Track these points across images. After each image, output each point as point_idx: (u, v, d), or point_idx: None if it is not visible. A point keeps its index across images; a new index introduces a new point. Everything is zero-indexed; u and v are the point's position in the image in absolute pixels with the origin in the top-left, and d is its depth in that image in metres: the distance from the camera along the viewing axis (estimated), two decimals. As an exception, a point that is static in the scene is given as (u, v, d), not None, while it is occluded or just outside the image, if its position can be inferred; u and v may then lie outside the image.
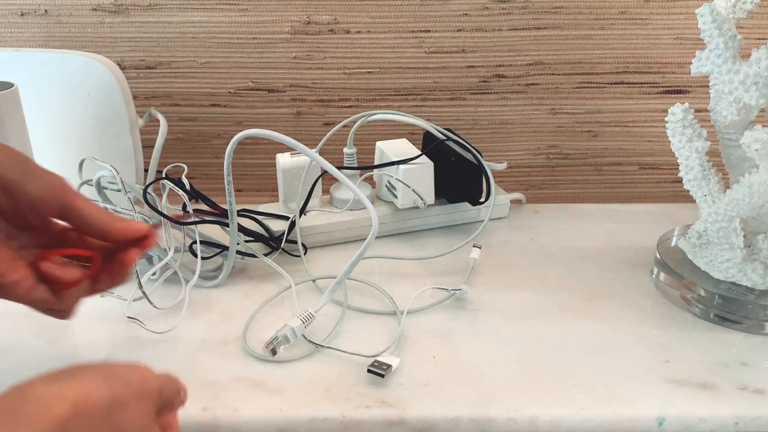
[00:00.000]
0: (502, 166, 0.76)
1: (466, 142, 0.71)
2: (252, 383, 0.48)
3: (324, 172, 0.70)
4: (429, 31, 0.81)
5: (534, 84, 0.84)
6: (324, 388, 0.47)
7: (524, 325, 0.54)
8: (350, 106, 0.83)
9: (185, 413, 0.44)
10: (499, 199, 0.75)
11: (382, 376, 0.47)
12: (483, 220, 0.70)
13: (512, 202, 0.77)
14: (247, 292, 0.60)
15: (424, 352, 0.51)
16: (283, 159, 0.69)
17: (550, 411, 0.45)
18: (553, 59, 0.83)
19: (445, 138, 0.70)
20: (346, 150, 0.71)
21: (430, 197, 0.69)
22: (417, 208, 0.69)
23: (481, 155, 0.70)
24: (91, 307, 0.57)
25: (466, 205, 0.72)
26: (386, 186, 0.71)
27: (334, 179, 0.73)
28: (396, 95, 0.84)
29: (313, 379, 0.48)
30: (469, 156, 0.69)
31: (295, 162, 0.68)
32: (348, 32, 0.80)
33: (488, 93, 0.84)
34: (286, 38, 0.80)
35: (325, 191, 0.74)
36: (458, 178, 0.69)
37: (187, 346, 0.52)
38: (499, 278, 0.62)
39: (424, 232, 0.72)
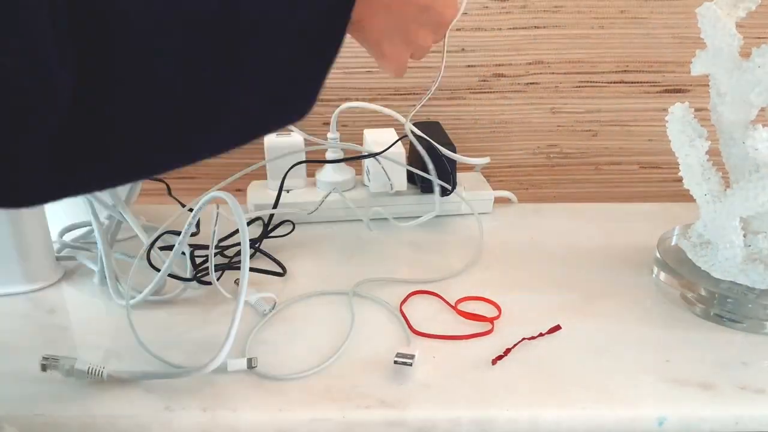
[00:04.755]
0: (483, 161, 0.77)
1: (445, 137, 0.73)
2: (252, 383, 0.47)
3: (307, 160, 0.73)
4: (429, 30, 0.81)
5: (534, 83, 0.84)
6: (324, 388, 0.47)
7: (524, 325, 0.54)
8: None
9: (185, 413, 0.44)
10: (483, 194, 0.76)
11: (410, 365, 0.47)
12: (465, 213, 0.74)
13: (503, 201, 0.78)
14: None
15: (424, 352, 0.51)
16: (269, 138, 0.72)
17: (550, 411, 0.45)
18: (552, 58, 0.83)
19: (406, 135, 0.72)
20: (329, 135, 0.74)
21: (401, 184, 0.72)
22: (390, 194, 0.72)
23: (454, 149, 0.71)
24: (89, 308, 0.57)
25: (450, 197, 0.73)
26: (365, 171, 0.75)
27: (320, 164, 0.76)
28: (395, 95, 0.84)
29: (313, 379, 0.48)
30: (446, 150, 0.71)
31: (281, 141, 0.72)
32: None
33: (488, 92, 0.84)
34: (285, 38, 0.80)
35: (311, 174, 0.77)
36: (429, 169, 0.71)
37: (187, 347, 0.51)
38: (499, 278, 0.62)
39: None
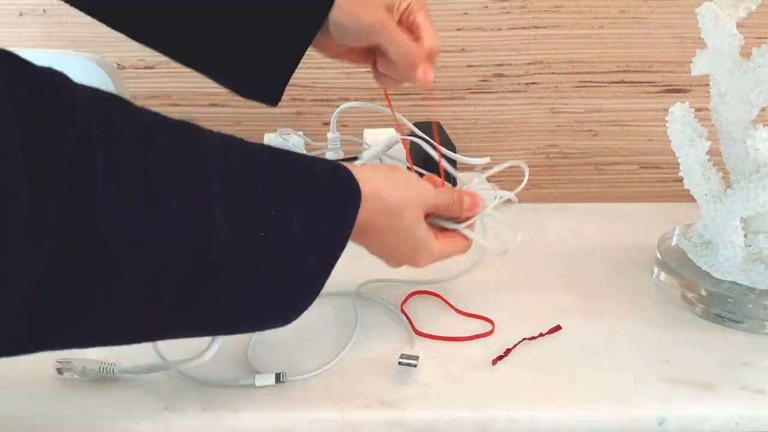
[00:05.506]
0: (483, 161, 0.77)
1: (445, 137, 0.73)
2: (251, 384, 0.47)
3: None
4: (429, 30, 0.81)
5: (534, 83, 0.84)
6: (324, 389, 0.47)
7: (524, 325, 0.54)
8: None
9: (185, 413, 0.44)
10: (485, 194, 0.75)
11: (415, 365, 0.47)
12: None
13: (504, 201, 0.78)
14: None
15: (424, 352, 0.51)
16: (267, 139, 0.73)
17: (550, 411, 0.45)
18: (552, 58, 0.83)
19: (410, 134, 0.72)
20: (329, 135, 0.74)
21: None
22: None
23: (454, 149, 0.71)
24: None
25: None
26: None
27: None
28: (396, 94, 0.83)
29: (313, 380, 0.48)
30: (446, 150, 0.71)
31: (280, 143, 0.73)
32: (347, 32, 0.80)
33: (488, 92, 0.84)
34: (285, 38, 0.80)
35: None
36: (429, 169, 0.71)
37: (188, 348, 0.51)
38: (498, 278, 0.62)
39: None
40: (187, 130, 0.34)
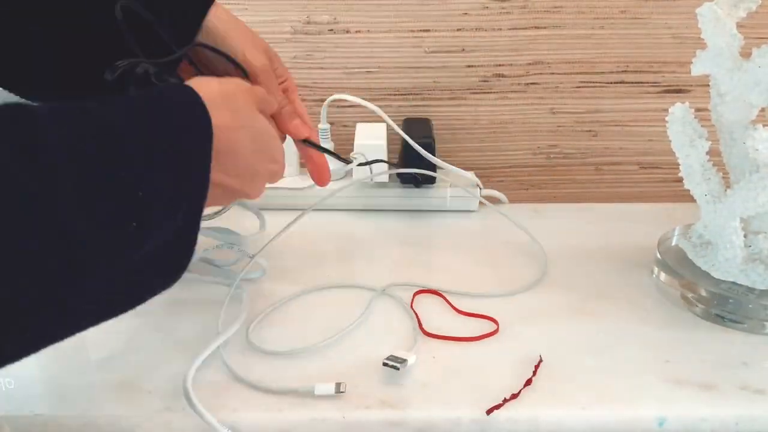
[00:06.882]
0: (463, 171, 0.77)
1: (430, 135, 0.75)
2: (252, 383, 0.47)
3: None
4: (429, 30, 0.81)
5: (534, 83, 0.84)
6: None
7: (524, 325, 0.54)
8: (350, 106, 0.83)
9: (185, 413, 0.44)
10: (470, 191, 0.77)
11: (398, 369, 0.47)
12: (450, 209, 0.77)
13: (493, 201, 0.77)
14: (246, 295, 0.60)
15: (424, 352, 0.51)
16: None
17: (550, 411, 0.45)
18: (553, 58, 0.83)
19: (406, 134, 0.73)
20: (320, 125, 0.77)
21: (382, 175, 0.76)
22: (379, 186, 0.76)
23: (432, 150, 0.73)
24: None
25: (431, 191, 0.75)
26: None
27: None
28: (396, 95, 0.84)
29: (313, 380, 0.48)
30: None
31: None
32: (347, 32, 0.80)
33: (488, 92, 0.84)
34: (286, 38, 0.80)
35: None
36: (408, 163, 0.74)
37: (187, 347, 0.51)
38: (499, 278, 0.62)
39: (404, 219, 0.74)
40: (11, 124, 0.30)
